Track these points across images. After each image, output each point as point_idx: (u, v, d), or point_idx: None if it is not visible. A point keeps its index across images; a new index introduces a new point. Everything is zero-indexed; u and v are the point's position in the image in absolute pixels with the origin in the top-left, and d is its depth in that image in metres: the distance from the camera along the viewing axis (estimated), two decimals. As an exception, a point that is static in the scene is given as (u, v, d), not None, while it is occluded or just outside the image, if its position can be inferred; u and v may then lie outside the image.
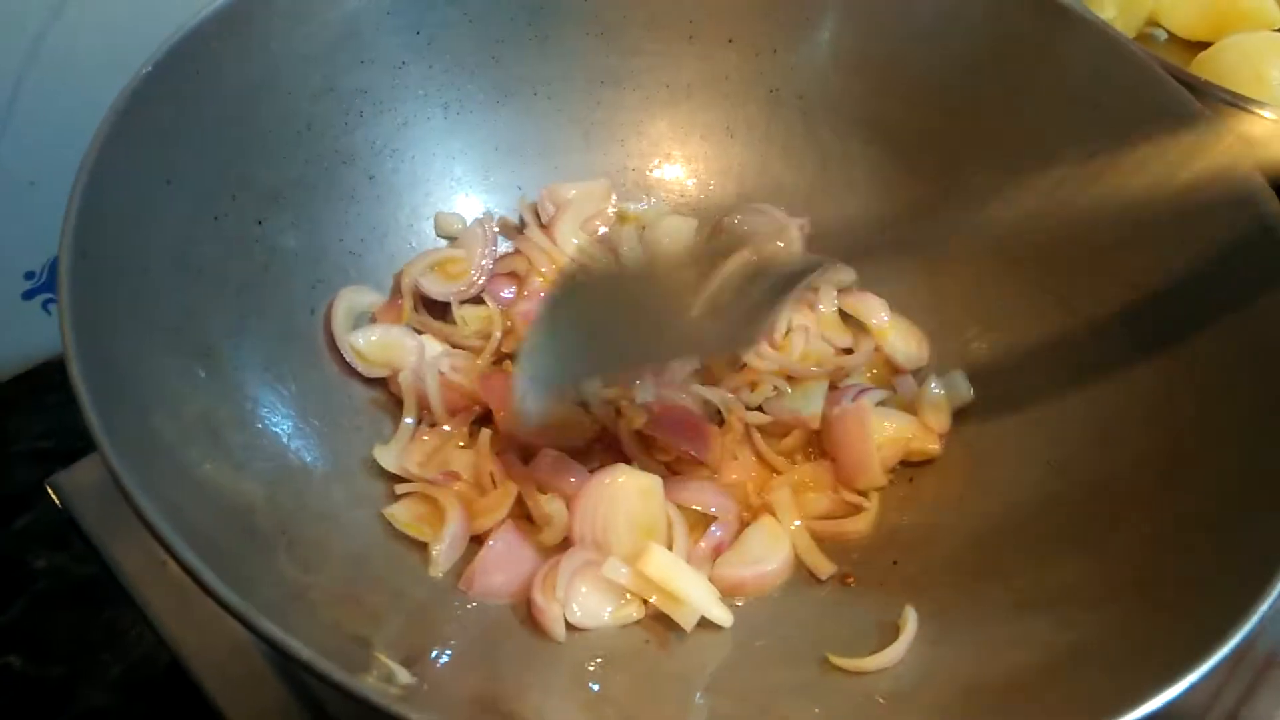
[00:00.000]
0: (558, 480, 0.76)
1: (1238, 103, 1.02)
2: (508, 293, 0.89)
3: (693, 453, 0.77)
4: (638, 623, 0.72)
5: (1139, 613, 0.62)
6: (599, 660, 0.70)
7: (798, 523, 0.78)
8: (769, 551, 0.75)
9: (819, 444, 0.83)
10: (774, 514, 0.78)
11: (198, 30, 0.72)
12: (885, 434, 0.81)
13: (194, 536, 0.53)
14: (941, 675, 0.66)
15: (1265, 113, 1.00)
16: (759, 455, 0.82)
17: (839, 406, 0.81)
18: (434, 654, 0.63)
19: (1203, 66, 1.19)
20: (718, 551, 0.76)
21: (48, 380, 1.08)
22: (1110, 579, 0.66)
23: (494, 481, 0.76)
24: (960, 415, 0.85)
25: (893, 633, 0.71)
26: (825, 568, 0.76)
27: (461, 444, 0.77)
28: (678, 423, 0.79)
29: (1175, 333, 0.75)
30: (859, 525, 0.79)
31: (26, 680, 0.89)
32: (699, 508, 0.77)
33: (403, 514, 0.73)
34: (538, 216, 0.94)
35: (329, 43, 0.82)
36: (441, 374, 0.81)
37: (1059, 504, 0.74)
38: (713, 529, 0.76)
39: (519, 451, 0.78)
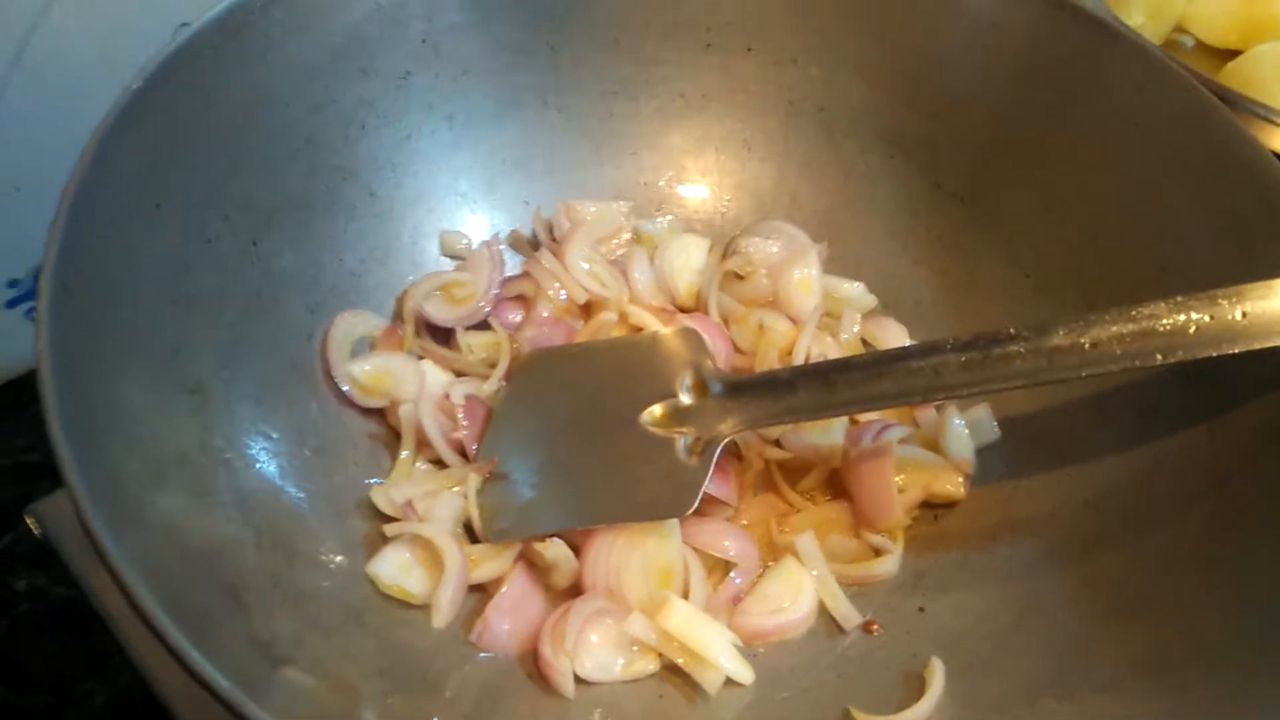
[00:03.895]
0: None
1: (1270, 116, 0.98)
2: (515, 316, 0.85)
3: (712, 492, 0.73)
4: (651, 676, 0.69)
5: (1196, 680, 0.58)
6: (611, 717, 0.66)
7: (820, 568, 0.74)
8: (792, 599, 0.72)
9: (839, 483, 0.79)
10: (797, 557, 0.74)
11: (191, 43, 0.68)
12: (906, 475, 0.77)
13: (173, 600, 0.49)
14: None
15: (1298, 127, 0.97)
16: (779, 493, 0.78)
17: (859, 446, 0.77)
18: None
19: (1232, 76, 1.16)
20: (737, 600, 0.72)
21: (31, 391, 1.03)
22: (1161, 642, 0.62)
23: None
24: (988, 452, 0.81)
25: (919, 686, 0.67)
26: (852, 618, 0.73)
27: (454, 486, 0.74)
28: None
29: (1217, 368, 0.71)
30: (886, 568, 0.75)
31: (8, 710, 0.85)
32: (719, 555, 0.73)
33: (389, 567, 0.69)
34: (551, 233, 0.90)
35: (330, 53, 0.78)
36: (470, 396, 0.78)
37: (1100, 553, 0.70)
38: (732, 576, 0.73)
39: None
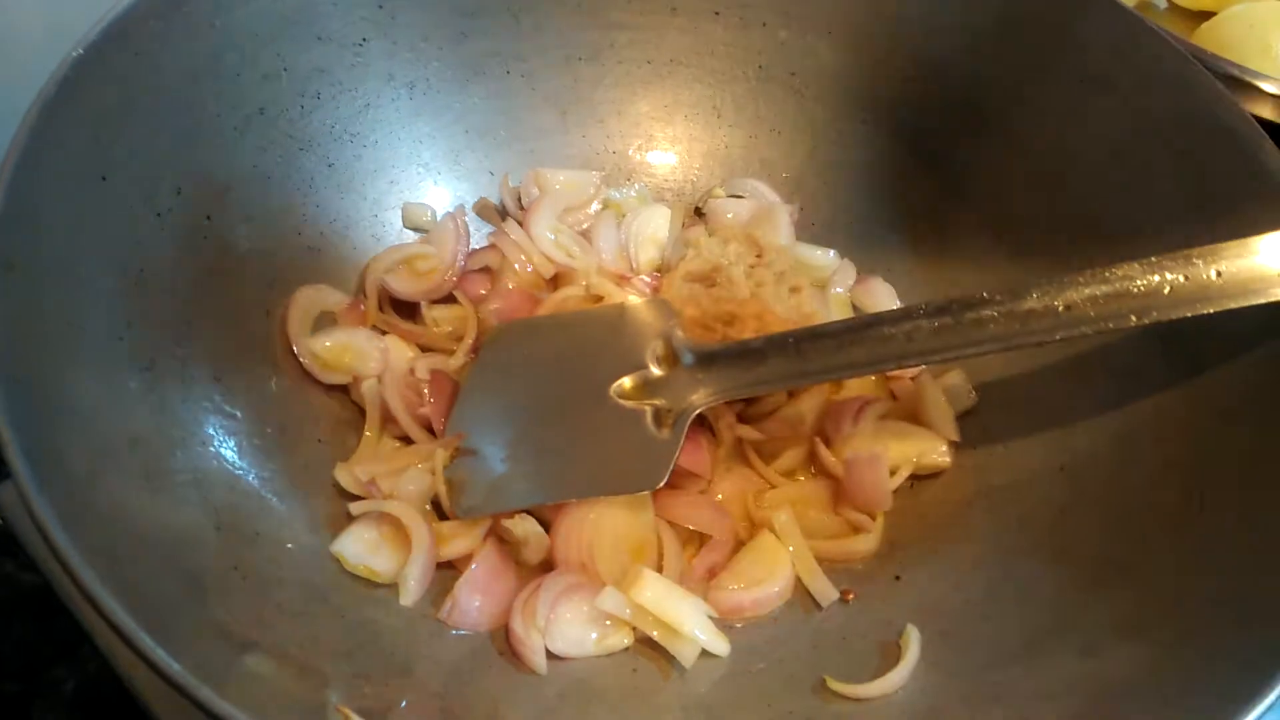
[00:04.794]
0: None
1: (1243, 76, 0.97)
2: (481, 289, 0.83)
3: (685, 464, 0.72)
4: (625, 650, 0.68)
5: (1171, 646, 0.57)
6: (584, 692, 0.65)
7: (797, 544, 0.73)
8: (769, 574, 0.71)
9: (818, 461, 0.78)
10: (774, 532, 0.73)
11: (135, 8, 0.66)
12: (895, 452, 0.76)
13: (126, 586, 0.48)
14: (955, 710, 0.62)
15: (1269, 87, 0.96)
16: (754, 469, 0.77)
17: (840, 431, 0.76)
18: (403, 702, 0.58)
19: (1205, 37, 1.14)
20: (713, 573, 0.71)
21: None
22: (1138, 607, 0.61)
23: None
24: (963, 419, 0.80)
25: (896, 654, 0.67)
26: (829, 594, 0.71)
27: (420, 462, 0.72)
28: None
29: (1192, 330, 0.70)
30: (865, 546, 0.74)
31: (-24, 699, 0.84)
32: (693, 526, 0.72)
33: (354, 546, 0.68)
34: (520, 202, 0.88)
35: (281, 18, 0.75)
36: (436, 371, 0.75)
37: (1075, 519, 0.69)
38: (708, 549, 0.71)
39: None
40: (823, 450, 0.77)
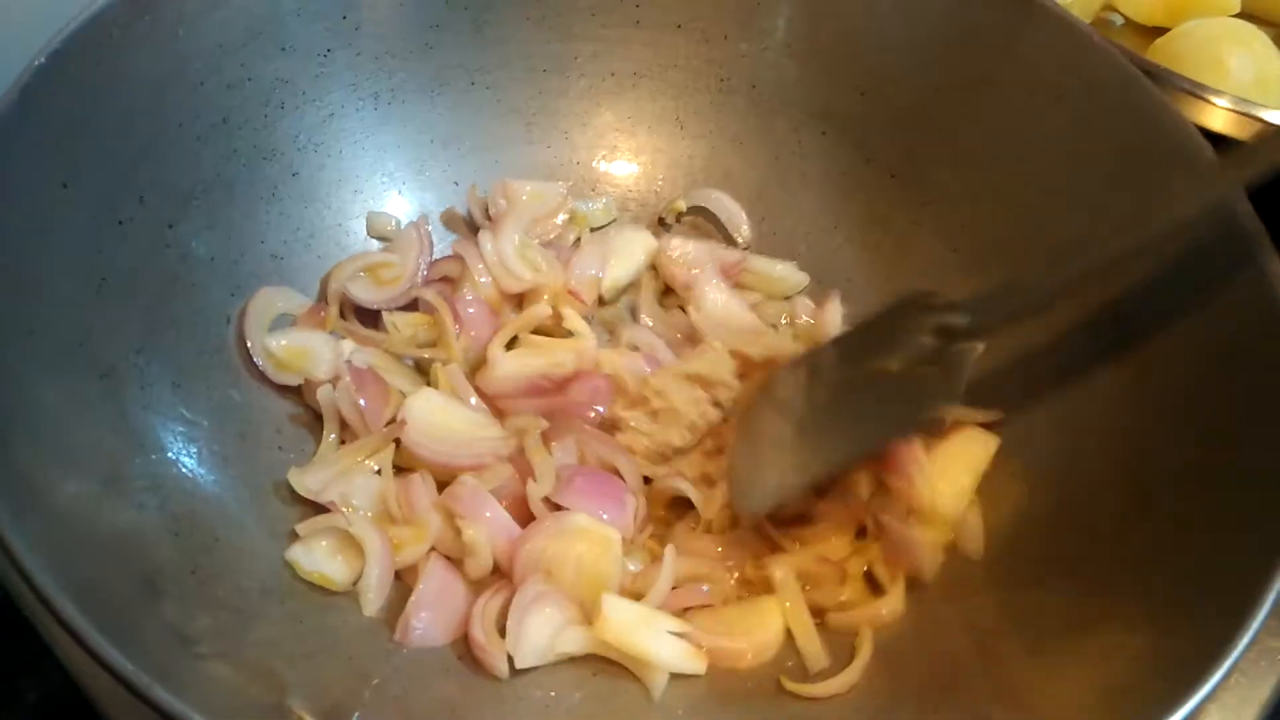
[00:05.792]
0: (473, 514, 0.69)
1: (1196, 91, 0.99)
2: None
3: (604, 517, 0.71)
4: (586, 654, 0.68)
5: (1116, 643, 0.59)
6: (545, 698, 0.65)
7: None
8: (760, 626, 0.70)
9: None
10: (772, 588, 0.71)
11: (99, 16, 0.66)
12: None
13: (80, 587, 0.48)
14: (907, 710, 0.63)
15: (1222, 101, 0.98)
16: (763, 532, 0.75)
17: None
18: (359, 708, 0.59)
19: (1160, 53, 1.16)
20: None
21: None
22: (1084, 606, 0.63)
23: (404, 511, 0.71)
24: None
25: (848, 658, 0.68)
26: (819, 661, 0.69)
27: (365, 458, 0.72)
28: (592, 488, 0.72)
29: (1137, 338, 0.72)
30: (880, 611, 0.70)
31: (-63, 708, 0.83)
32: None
33: (308, 554, 0.67)
34: (487, 212, 0.88)
35: (246, 28, 0.76)
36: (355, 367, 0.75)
37: (1026, 521, 0.71)
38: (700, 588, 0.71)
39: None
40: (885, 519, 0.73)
